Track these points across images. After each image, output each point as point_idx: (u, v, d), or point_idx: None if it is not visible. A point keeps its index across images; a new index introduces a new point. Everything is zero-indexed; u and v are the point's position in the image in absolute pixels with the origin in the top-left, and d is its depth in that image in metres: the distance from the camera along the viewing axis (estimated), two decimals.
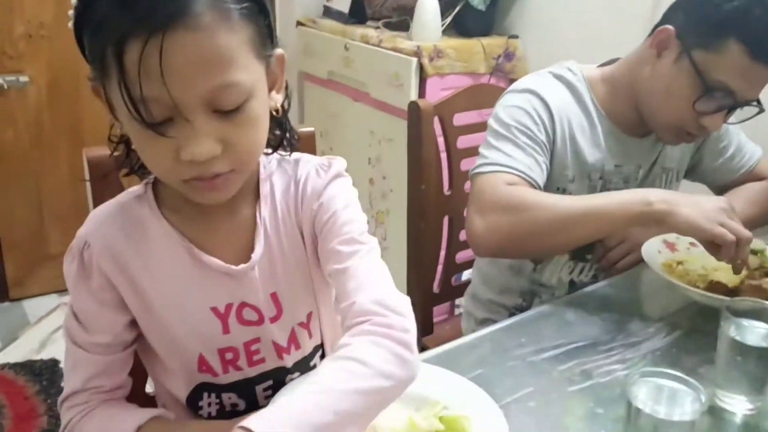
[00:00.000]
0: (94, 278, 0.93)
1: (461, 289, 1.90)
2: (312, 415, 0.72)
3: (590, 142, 1.46)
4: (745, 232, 1.21)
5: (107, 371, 0.98)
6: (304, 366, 1.07)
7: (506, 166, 1.36)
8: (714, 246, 1.22)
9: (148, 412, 0.96)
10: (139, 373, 1.11)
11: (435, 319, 1.90)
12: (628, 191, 1.35)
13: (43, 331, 2.85)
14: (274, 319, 1.00)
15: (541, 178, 1.38)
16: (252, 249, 0.97)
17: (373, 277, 0.90)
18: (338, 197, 0.98)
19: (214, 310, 0.97)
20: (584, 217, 1.29)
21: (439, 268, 1.88)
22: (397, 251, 2.69)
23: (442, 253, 1.87)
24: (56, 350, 2.70)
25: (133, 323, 0.98)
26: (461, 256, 1.90)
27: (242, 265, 0.96)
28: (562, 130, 1.43)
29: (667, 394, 0.88)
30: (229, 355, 1.00)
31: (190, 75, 0.76)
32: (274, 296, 1.00)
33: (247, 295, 0.98)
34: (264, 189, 0.99)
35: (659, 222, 1.25)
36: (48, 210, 3.03)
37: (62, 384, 2.51)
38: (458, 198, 1.80)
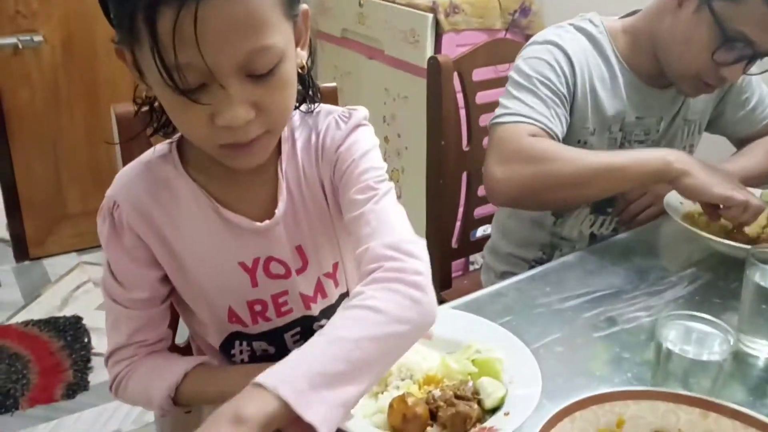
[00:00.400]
0: (125, 237, 0.95)
1: (479, 244, 1.92)
2: (324, 365, 0.71)
3: (611, 93, 1.46)
4: (757, 202, 1.26)
5: (149, 325, 1.01)
6: (331, 313, 1.07)
7: (528, 117, 1.37)
8: (714, 213, 1.29)
9: (193, 360, 1.00)
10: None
11: (452, 274, 1.93)
12: (648, 150, 1.37)
13: (64, 289, 2.90)
14: (300, 271, 1.03)
15: (560, 130, 1.39)
16: (276, 205, 0.98)
17: (386, 222, 0.89)
18: (357, 147, 0.97)
19: (242, 264, 0.99)
20: (604, 173, 1.31)
21: (458, 223, 1.91)
22: (411, 209, 2.70)
23: (461, 209, 1.89)
24: (78, 307, 2.75)
25: (167, 278, 1.00)
26: (479, 211, 1.92)
27: (267, 222, 0.97)
28: (582, 82, 1.43)
29: (695, 336, 0.90)
30: (258, 307, 1.03)
31: (225, 40, 0.75)
32: (299, 249, 1.02)
33: (273, 249, 1.00)
34: (286, 145, 1.00)
35: (674, 181, 1.28)
36: (65, 169, 3.05)
37: (86, 339, 2.55)
38: (477, 153, 1.81)
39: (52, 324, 2.64)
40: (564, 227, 1.59)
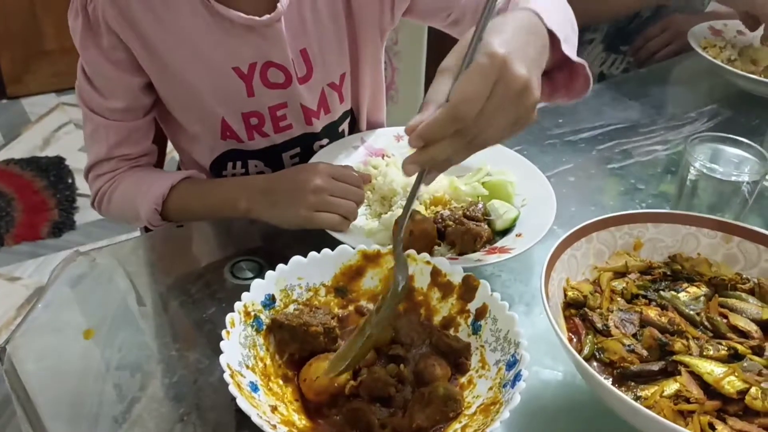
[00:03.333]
0: (103, 36, 0.85)
1: None
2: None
3: None
4: None
5: (130, 139, 0.93)
6: (333, 131, 1.02)
7: None
8: (755, 21, 1.20)
9: (180, 173, 0.93)
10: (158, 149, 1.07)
11: None
12: None
13: (45, 129, 2.80)
14: (303, 80, 0.94)
15: None
16: (277, 2, 0.88)
17: None
18: None
19: (236, 70, 0.89)
20: None
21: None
22: (411, 54, 2.59)
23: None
24: (60, 148, 2.66)
25: (150, 87, 0.91)
26: None
27: (267, 16, 0.87)
28: None
29: (725, 160, 0.85)
30: (253, 120, 0.94)
31: None
32: (303, 53, 0.92)
33: (272, 52, 0.89)
34: None
35: None
36: (41, 3, 2.85)
37: (69, 180, 2.48)
38: None
39: (35, 163, 2.56)
40: None
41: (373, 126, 1.10)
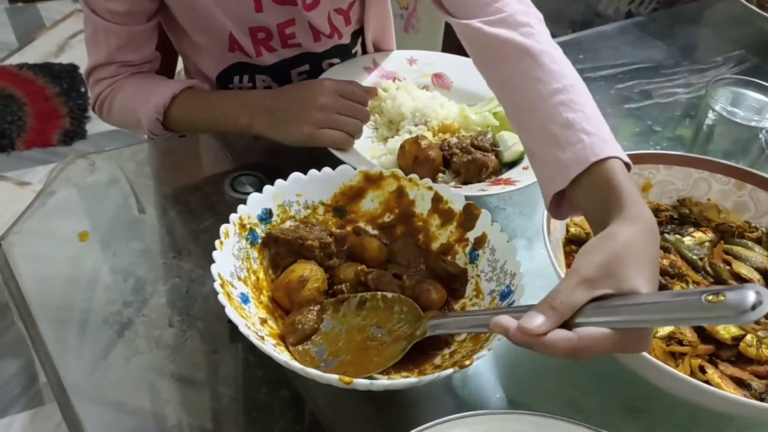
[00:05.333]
0: None
1: None
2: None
3: None
4: None
5: (132, 44, 0.90)
6: (345, 52, 0.99)
7: None
8: None
9: (183, 82, 0.90)
10: (168, 61, 1.05)
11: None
12: None
13: (59, 35, 2.76)
14: (310, 7, 0.90)
15: None
16: None
17: None
18: None
19: None
20: None
21: None
22: (429, 30, 2.51)
23: None
24: (74, 55, 2.62)
25: None
26: None
27: None
28: None
29: (746, 105, 0.82)
30: (261, 35, 0.91)
31: None
32: None
33: None
34: None
35: None
36: None
37: (82, 89, 2.45)
38: None
39: (48, 69, 2.53)
40: (601, 0, 1.44)
41: (384, 40, 1.06)
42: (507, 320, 0.51)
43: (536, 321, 0.50)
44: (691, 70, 1.11)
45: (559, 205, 0.61)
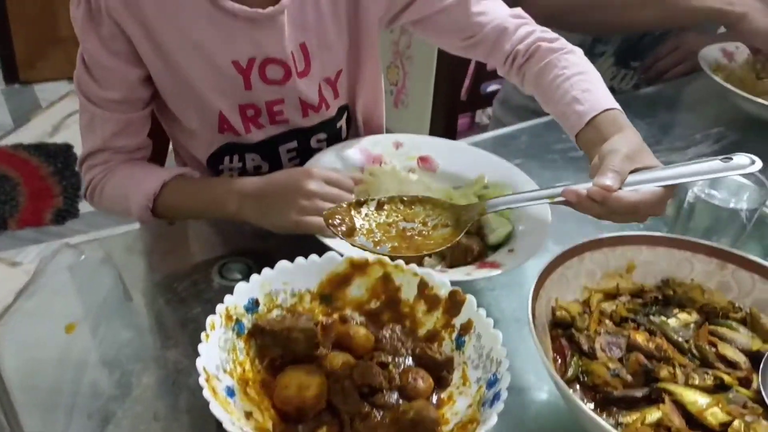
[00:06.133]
0: (104, 26, 0.85)
1: (489, 98, 1.82)
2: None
3: None
4: None
5: (126, 131, 0.93)
6: (330, 127, 1.02)
7: None
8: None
9: (174, 170, 0.92)
10: (159, 146, 1.07)
11: (457, 131, 1.86)
12: None
13: (55, 115, 2.81)
14: (302, 74, 0.94)
15: None
16: None
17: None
18: None
19: (235, 64, 0.90)
20: None
21: (468, 75, 1.80)
22: (422, 59, 2.58)
23: (473, 61, 1.77)
24: (69, 135, 2.67)
25: (148, 79, 0.91)
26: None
27: (270, 8, 0.88)
28: None
29: (724, 186, 0.83)
30: (250, 112, 0.94)
31: None
32: (303, 47, 0.93)
33: (272, 47, 0.90)
34: None
35: (732, 25, 1.18)
36: None
37: (76, 168, 2.51)
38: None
39: (43, 149, 2.57)
40: None
41: (372, 126, 1.10)
42: (577, 188, 0.73)
43: (609, 180, 0.71)
44: (671, 148, 1.14)
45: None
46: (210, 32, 0.87)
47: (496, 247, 0.85)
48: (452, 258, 0.81)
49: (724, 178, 0.83)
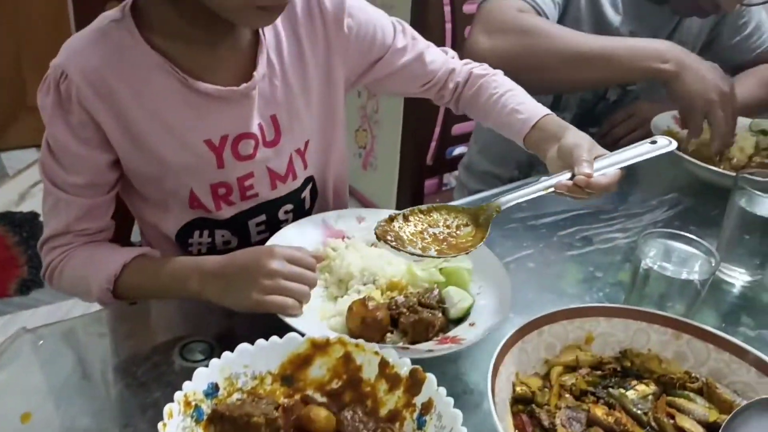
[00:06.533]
0: (73, 113, 0.86)
1: (454, 162, 1.86)
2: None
3: (609, 1, 1.38)
4: (722, 130, 1.23)
5: (91, 214, 0.93)
6: (295, 198, 1.04)
7: None
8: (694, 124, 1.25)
9: (134, 250, 0.92)
10: (124, 222, 1.08)
11: (424, 194, 1.88)
12: (649, 40, 1.29)
13: (22, 184, 2.79)
14: (271, 144, 0.97)
15: (552, 13, 1.32)
16: (251, 72, 0.92)
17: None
18: (364, 7, 1.04)
19: (208, 143, 0.92)
20: (595, 58, 1.24)
21: (434, 140, 1.84)
22: (389, 123, 2.63)
23: (438, 125, 1.81)
24: (36, 204, 2.65)
25: (116, 163, 0.92)
26: (457, 129, 1.85)
27: (243, 85, 0.91)
28: None
29: (676, 256, 0.86)
30: (221, 191, 0.96)
31: None
32: (273, 119, 0.96)
33: (244, 123, 0.93)
34: None
35: (665, 83, 1.23)
36: (27, 57, 2.88)
37: (38, 249, 2.48)
38: None
39: (8, 218, 2.55)
40: None
41: (338, 194, 1.13)
42: (564, 181, 0.88)
43: (587, 169, 0.87)
44: (628, 214, 1.17)
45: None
46: (183, 113, 0.89)
47: (458, 321, 0.86)
48: (414, 334, 0.81)
49: (674, 250, 0.86)
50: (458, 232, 0.84)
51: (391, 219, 0.82)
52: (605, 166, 0.89)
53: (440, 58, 1.12)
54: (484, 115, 1.10)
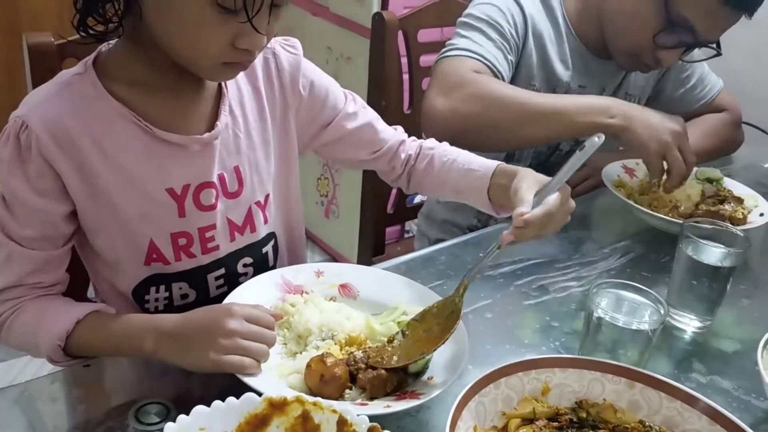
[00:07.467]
0: (32, 162, 0.85)
1: (415, 210, 1.88)
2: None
3: (558, 57, 1.44)
4: (680, 169, 1.27)
5: (45, 268, 0.92)
6: (257, 251, 1.05)
7: (474, 53, 1.34)
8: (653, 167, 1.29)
9: (88, 306, 0.91)
10: (79, 276, 1.06)
11: (386, 241, 1.89)
12: (596, 97, 1.36)
13: None
14: (233, 195, 0.98)
15: (506, 73, 1.36)
16: (214, 122, 0.95)
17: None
18: (318, 72, 1.08)
19: (170, 191, 0.92)
20: (548, 115, 1.29)
21: (395, 189, 1.86)
22: (350, 171, 2.65)
23: None
24: None
25: (72, 216, 0.91)
26: None
27: (207, 134, 0.93)
28: (533, 37, 1.41)
29: (626, 306, 0.88)
30: (182, 241, 0.96)
31: None
32: (237, 170, 0.98)
33: (206, 171, 0.94)
34: None
35: (616, 136, 1.27)
36: None
37: None
38: (418, 118, 1.74)
39: None
40: None
41: (294, 244, 1.14)
42: (506, 232, 0.90)
43: (521, 208, 0.90)
44: (582, 263, 1.20)
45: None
46: (145, 162, 0.90)
47: (417, 375, 0.86)
48: (372, 390, 0.81)
49: (624, 299, 0.88)
50: (446, 322, 0.88)
51: (390, 341, 0.88)
52: (545, 195, 0.92)
53: (390, 129, 1.17)
54: (440, 183, 1.12)
